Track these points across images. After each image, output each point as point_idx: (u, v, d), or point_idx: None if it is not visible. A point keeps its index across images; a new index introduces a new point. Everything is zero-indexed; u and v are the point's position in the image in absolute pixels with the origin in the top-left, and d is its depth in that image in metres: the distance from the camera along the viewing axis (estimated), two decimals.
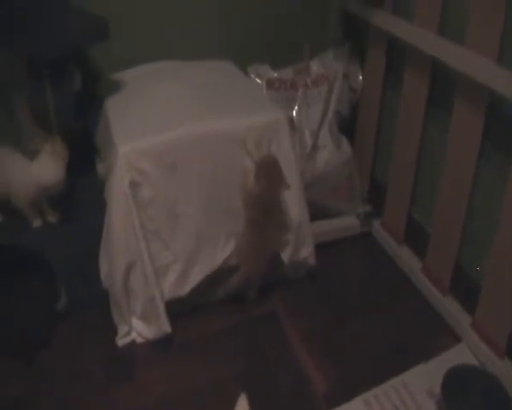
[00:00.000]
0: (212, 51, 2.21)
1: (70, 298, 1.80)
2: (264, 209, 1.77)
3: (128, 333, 1.79)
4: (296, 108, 2.20)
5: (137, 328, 1.79)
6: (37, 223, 1.79)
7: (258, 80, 2.20)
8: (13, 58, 1.82)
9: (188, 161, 1.72)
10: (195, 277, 1.80)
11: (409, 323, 1.89)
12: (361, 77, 2.30)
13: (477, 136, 1.67)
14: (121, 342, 1.78)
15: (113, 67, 2.07)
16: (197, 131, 1.74)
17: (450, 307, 1.87)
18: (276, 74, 2.22)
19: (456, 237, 1.83)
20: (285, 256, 1.91)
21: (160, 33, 2.15)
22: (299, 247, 1.94)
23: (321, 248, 2.03)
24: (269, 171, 1.73)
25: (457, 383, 1.56)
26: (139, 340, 1.80)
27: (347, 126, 2.29)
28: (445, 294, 1.90)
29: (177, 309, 1.79)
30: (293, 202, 1.88)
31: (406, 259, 2.10)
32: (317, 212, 2.07)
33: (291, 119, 2.14)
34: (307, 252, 1.96)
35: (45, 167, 1.71)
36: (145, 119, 1.79)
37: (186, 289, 1.79)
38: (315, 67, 2.25)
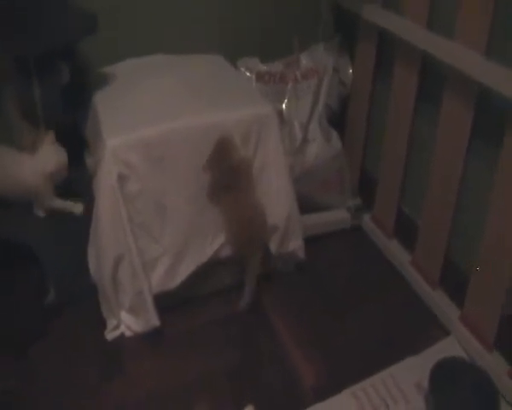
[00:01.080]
0: (203, 45, 2.20)
1: (60, 292, 1.79)
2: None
3: (117, 327, 1.79)
4: (286, 101, 2.20)
5: (126, 321, 1.78)
6: (79, 208, 1.85)
7: (248, 74, 2.20)
8: (0, 52, 1.80)
9: (176, 155, 1.71)
10: (185, 270, 1.79)
11: (398, 316, 1.89)
12: (351, 70, 2.30)
13: (466, 129, 1.67)
14: (110, 335, 1.78)
15: (103, 60, 2.05)
16: (185, 124, 1.74)
17: (440, 301, 1.88)
18: (265, 67, 2.21)
19: (446, 230, 1.83)
20: (273, 246, 1.91)
21: (150, 27, 2.13)
22: (287, 239, 1.94)
23: (310, 241, 2.03)
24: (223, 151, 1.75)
25: (446, 377, 1.55)
26: (128, 333, 1.79)
27: (337, 120, 2.29)
28: (434, 287, 1.91)
29: (167, 303, 1.79)
30: (282, 196, 1.88)
31: (396, 252, 2.10)
32: (307, 205, 2.07)
33: (280, 112, 2.14)
34: (296, 245, 1.96)
35: (51, 154, 1.77)
36: (134, 112, 1.78)
37: (175, 282, 1.78)
38: (304, 60, 2.25)
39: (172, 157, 1.71)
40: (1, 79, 1.86)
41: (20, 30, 1.70)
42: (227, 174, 1.76)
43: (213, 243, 1.84)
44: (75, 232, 1.76)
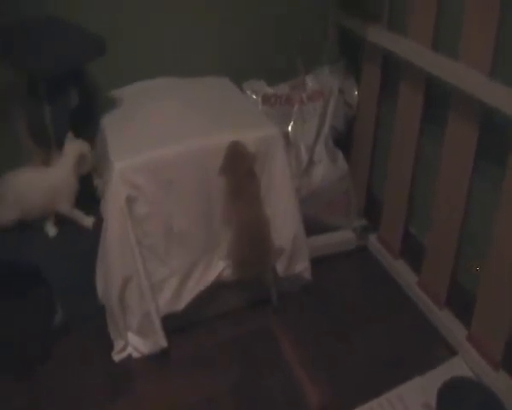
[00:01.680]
0: (209, 68, 2.23)
1: (68, 313, 1.81)
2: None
3: (124, 348, 1.79)
4: (292, 123, 2.21)
5: (133, 343, 1.79)
6: (88, 222, 1.89)
7: (254, 96, 2.21)
8: (12, 73, 1.84)
9: (183, 177, 1.73)
10: (191, 291, 1.80)
11: (405, 336, 1.89)
12: (356, 92, 2.31)
13: (471, 149, 1.68)
14: (117, 357, 1.79)
15: (111, 83, 2.08)
16: (193, 147, 1.76)
17: (446, 321, 1.87)
18: (271, 90, 2.23)
19: (452, 250, 1.83)
20: (279, 268, 1.92)
21: (158, 51, 2.17)
22: (294, 260, 1.94)
23: (317, 262, 2.03)
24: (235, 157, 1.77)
25: (453, 396, 1.55)
26: (135, 355, 1.80)
27: (343, 141, 2.30)
28: (441, 307, 1.90)
29: (173, 325, 1.79)
30: (288, 217, 1.89)
31: (402, 273, 2.10)
32: (313, 227, 2.07)
33: (286, 134, 2.15)
34: (303, 266, 1.97)
35: (75, 144, 1.87)
36: (141, 135, 1.81)
37: (182, 304, 1.79)
38: (310, 82, 2.26)
39: (179, 179, 1.73)
40: (12, 101, 1.89)
41: (31, 54, 1.73)
42: (240, 178, 1.77)
43: (218, 265, 1.85)
44: (83, 253, 1.77)
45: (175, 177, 1.72)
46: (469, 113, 1.66)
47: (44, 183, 1.83)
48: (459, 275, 1.87)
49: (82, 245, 1.81)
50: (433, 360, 1.76)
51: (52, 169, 1.85)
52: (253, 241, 1.81)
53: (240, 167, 1.77)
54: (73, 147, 1.85)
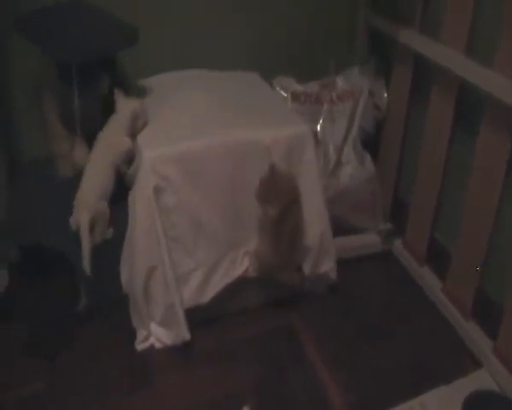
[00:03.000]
0: (239, 63, 2.23)
1: (92, 300, 1.80)
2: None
3: (147, 338, 1.79)
4: (321, 122, 2.19)
5: (156, 333, 1.78)
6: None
7: (283, 93, 2.20)
8: (44, 59, 1.83)
9: (212, 170, 1.72)
10: (216, 285, 1.80)
11: (429, 344, 1.87)
12: (386, 94, 2.29)
13: (504, 158, 1.65)
14: (140, 346, 1.78)
15: (141, 73, 2.08)
16: (222, 140, 1.75)
17: (472, 331, 1.84)
18: (301, 88, 2.22)
19: (480, 259, 1.81)
20: (306, 267, 1.91)
21: (189, 43, 2.16)
22: (320, 260, 1.93)
23: (341, 264, 2.02)
24: (273, 190, 1.72)
25: (478, 409, 1.53)
26: (158, 345, 1.79)
27: (371, 143, 2.29)
28: (466, 317, 1.88)
29: (197, 317, 1.79)
30: (316, 216, 1.88)
31: (427, 279, 2.08)
32: (339, 227, 2.05)
33: (315, 133, 2.14)
34: (328, 266, 1.96)
35: (124, 125, 1.79)
36: (171, 126, 1.80)
37: (207, 297, 1.78)
38: (340, 82, 2.25)
39: (208, 172, 1.72)
40: (43, 86, 1.89)
41: (63, 40, 1.73)
42: (281, 210, 1.72)
43: (244, 260, 1.84)
44: (109, 242, 1.76)
45: (203, 169, 1.71)
46: (503, 120, 1.63)
47: (99, 142, 1.80)
48: (486, 285, 1.84)
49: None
50: (457, 369, 1.74)
51: (106, 129, 1.81)
52: (284, 249, 1.81)
53: (280, 198, 1.72)
54: (126, 105, 1.80)
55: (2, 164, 1.98)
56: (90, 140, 1.82)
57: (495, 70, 1.62)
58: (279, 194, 1.72)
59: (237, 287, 1.85)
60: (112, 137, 1.78)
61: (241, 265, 1.83)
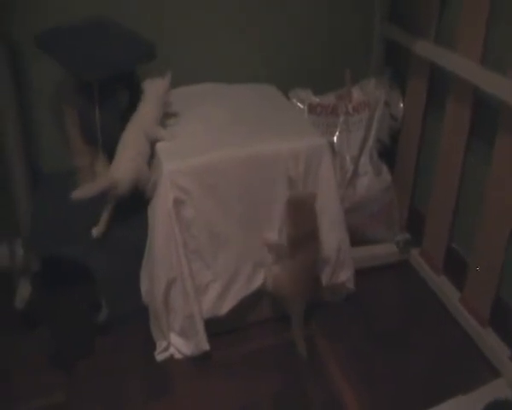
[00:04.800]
0: (255, 75, 2.25)
1: (112, 311, 1.83)
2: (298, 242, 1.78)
3: (166, 348, 1.81)
4: (337, 133, 2.21)
5: (176, 344, 1.80)
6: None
7: (300, 105, 2.22)
8: (65, 73, 1.87)
9: (229, 183, 1.74)
10: (234, 297, 1.81)
11: (446, 353, 1.87)
12: (402, 105, 2.30)
13: None
14: (160, 357, 1.80)
15: None
16: (239, 153, 1.77)
17: (490, 340, 1.84)
18: (317, 99, 2.23)
19: (497, 269, 1.81)
20: (324, 277, 1.92)
21: (205, 57, 2.19)
22: (338, 270, 1.94)
23: (358, 274, 2.03)
24: (300, 210, 1.76)
25: None
26: (177, 356, 1.81)
27: (387, 154, 2.30)
28: (484, 326, 1.87)
29: (216, 328, 1.81)
30: (333, 226, 1.89)
31: (445, 289, 2.08)
32: (355, 238, 2.07)
33: (332, 144, 2.15)
34: (346, 276, 1.97)
35: (154, 105, 1.86)
36: (189, 139, 1.82)
37: (225, 308, 1.80)
38: (356, 93, 2.26)
39: (226, 185, 1.74)
40: (64, 100, 1.93)
41: (83, 56, 1.77)
42: (302, 233, 1.78)
43: (262, 272, 1.85)
44: (131, 253, 1.79)
45: (221, 182, 1.73)
46: None
47: (131, 126, 1.83)
48: (503, 294, 1.84)
49: (130, 243, 1.82)
50: (474, 379, 1.73)
51: (135, 113, 1.85)
52: (299, 281, 1.83)
53: (301, 223, 1.77)
54: (153, 86, 1.85)
55: (24, 177, 2.02)
56: (110, 154, 1.84)
57: (509, 78, 1.63)
58: (299, 217, 1.76)
59: (255, 298, 1.87)
60: (142, 110, 1.84)
61: (258, 277, 1.84)
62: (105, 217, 1.80)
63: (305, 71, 2.34)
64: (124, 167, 1.76)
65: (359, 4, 2.33)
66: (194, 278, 1.74)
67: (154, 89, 1.86)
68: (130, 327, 1.86)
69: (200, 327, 1.74)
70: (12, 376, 1.75)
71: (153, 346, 1.81)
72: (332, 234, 1.89)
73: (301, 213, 1.77)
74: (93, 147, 1.90)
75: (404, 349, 1.89)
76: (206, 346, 1.75)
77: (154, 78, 1.88)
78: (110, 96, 1.86)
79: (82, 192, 1.68)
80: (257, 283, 1.84)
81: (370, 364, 1.83)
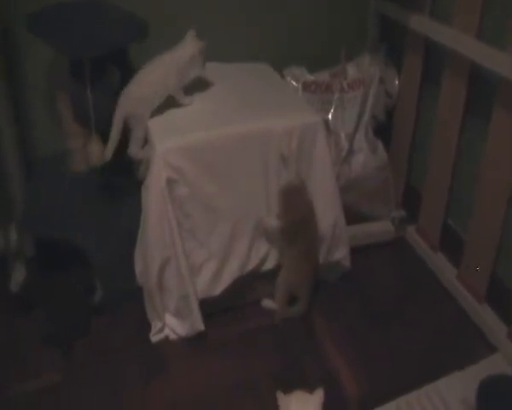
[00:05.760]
0: (249, 54, 2.23)
1: (107, 292, 1.83)
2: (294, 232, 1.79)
3: (161, 329, 1.81)
4: (332, 111, 2.19)
5: (171, 325, 1.80)
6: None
7: (294, 83, 2.20)
8: (56, 57, 1.85)
9: (224, 161, 1.73)
10: (229, 276, 1.81)
11: (443, 330, 1.87)
12: (397, 81, 2.28)
13: None
14: (155, 338, 1.80)
15: None
16: (234, 131, 1.75)
17: (486, 316, 1.84)
18: (312, 77, 2.21)
19: (493, 245, 1.80)
20: (320, 255, 1.91)
21: (199, 35, 2.16)
22: (333, 248, 1.94)
23: (354, 251, 2.02)
24: (293, 200, 1.76)
25: (493, 394, 1.52)
26: (172, 336, 1.81)
27: (383, 131, 2.28)
28: (480, 302, 1.87)
29: (211, 308, 1.80)
30: (328, 204, 1.88)
31: (441, 266, 2.08)
32: (351, 215, 2.06)
33: (327, 122, 2.14)
34: (342, 254, 1.96)
35: (187, 58, 1.83)
36: (183, 118, 1.81)
37: (220, 288, 1.80)
38: (351, 70, 2.24)
39: (221, 163, 1.73)
40: (55, 82, 1.90)
41: (73, 35, 1.74)
42: (296, 224, 1.77)
43: (258, 252, 1.85)
44: (124, 234, 1.78)
45: (216, 160, 1.72)
46: None
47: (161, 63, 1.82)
48: (500, 270, 1.84)
49: (124, 224, 1.81)
50: (471, 355, 1.74)
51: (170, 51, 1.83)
52: (299, 273, 1.84)
53: (296, 211, 1.76)
54: (192, 43, 1.83)
55: (18, 160, 2.01)
56: (103, 135, 1.83)
57: (506, 51, 1.61)
58: (293, 207, 1.75)
59: (251, 278, 1.86)
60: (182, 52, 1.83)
61: (255, 258, 1.84)
62: (113, 137, 1.77)
63: (300, 49, 2.32)
64: (140, 86, 1.76)
65: None
66: (189, 257, 1.73)
67: (190, 46, 1.83)
68: (126, 308, 1.86)
69: (195, 307, 1.73)
70: (8, 358, 1.75)
71: (148, 326, 1.81)
72: (327, 212, 1.88)
73: (294, 200, 1.76)
74: (86, 128, 1.89)
75: (401, 327, 1.88)
76: (201, 326, 1.74)
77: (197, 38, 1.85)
78: (101, 76, 1.84)
79: None
80: (252, 264, 1.84)
81: (367, 341, 1.83)
